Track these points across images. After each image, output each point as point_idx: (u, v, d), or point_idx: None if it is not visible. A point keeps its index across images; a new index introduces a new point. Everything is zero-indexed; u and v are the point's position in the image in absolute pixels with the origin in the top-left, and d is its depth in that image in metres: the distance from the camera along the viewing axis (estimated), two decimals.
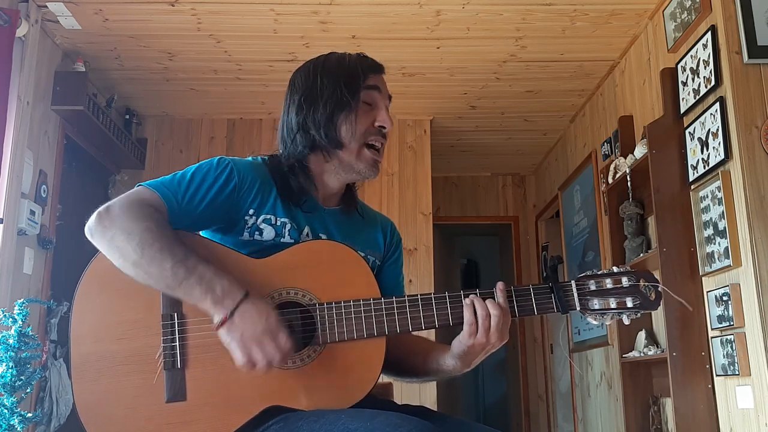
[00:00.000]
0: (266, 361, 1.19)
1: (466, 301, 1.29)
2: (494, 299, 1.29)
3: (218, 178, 1.33)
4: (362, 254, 1.38)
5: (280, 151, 1.46)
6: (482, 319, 1.27)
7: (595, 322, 1.34)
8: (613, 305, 1.31)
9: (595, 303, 1.32)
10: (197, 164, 1.35)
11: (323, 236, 1.42)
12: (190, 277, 1.20)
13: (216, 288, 1.20)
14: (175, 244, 1.23)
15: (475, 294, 1.30)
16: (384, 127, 1.44)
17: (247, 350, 1.19)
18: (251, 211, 1.36)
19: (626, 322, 1.33)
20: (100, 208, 1.25)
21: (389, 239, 1.56)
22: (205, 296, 1.20)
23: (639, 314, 1.33)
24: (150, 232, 1.21)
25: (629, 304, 1.31)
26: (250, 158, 1.44)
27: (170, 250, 1.21)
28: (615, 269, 1.35)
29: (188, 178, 1.32)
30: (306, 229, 1.40)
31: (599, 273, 1.34)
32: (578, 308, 1.32)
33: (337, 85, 1.41)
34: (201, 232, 1.37)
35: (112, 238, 1.22)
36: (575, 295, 1.32)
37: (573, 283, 1.33)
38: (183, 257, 1.21)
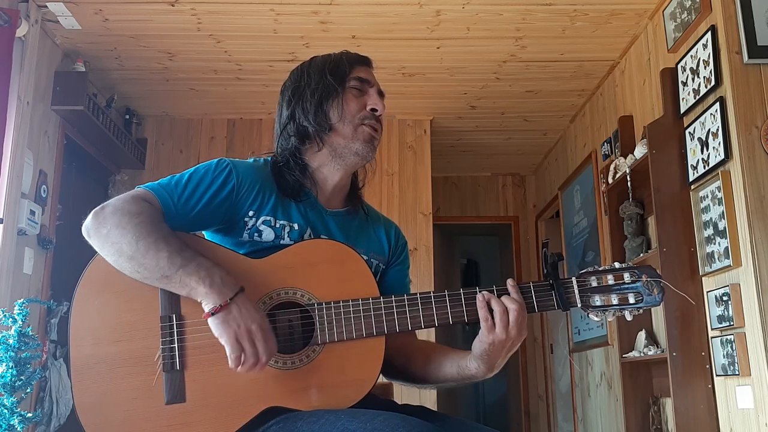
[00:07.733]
0: (254, 360, 1.20)
1: (479, 297, 1.27)
2: (508, 295, 1.28)
3: (216, 179, 1.33)
4: (365, 257, 1.38)
5: (276, 149, 1.48)
6: (500, 315, 1.25)
7: (596, 319, 1.32)
8: (614, 301, 1.29)
9: (597, 299, 1.30)
10: (196, 166, 1.35)
11: (324, 237, 1.41)
12: (188, 265, 1.21)
13: (215, 276, 1.21)
14: (171, 236, 1.24)
15: (490, 290, 1.28)
16: (376, 110, 1.44)
17: (240, 344, 1.19)
18: (251, 213, 1.35)
19: (628, 318, 1.31)
20: (96, 208, 1.26)
21: (394, 243, 1.55)
22: (203, 282, 1.20)
23: (641, 310, 1.31)
24: (145, 225, 1.22)
25: (631, 300, 1.29)
26: (251, 159, 1.44)
27: (166, 240, 1.22)
28: (617, 265, 1.32)
29: (185, 180, 1.32)
30: (308, 231, 1.39)
31: (600, 269, 1.32)
32: (579, 305, 1.30)
33: (323, 75, 1.44)
34: (201, 233, 1.37)
35: (108, 234, 1.23)
36: (576, 291, 1.30)
37: (574, 279, 1.31)
38: (179, 248, 1.23)
